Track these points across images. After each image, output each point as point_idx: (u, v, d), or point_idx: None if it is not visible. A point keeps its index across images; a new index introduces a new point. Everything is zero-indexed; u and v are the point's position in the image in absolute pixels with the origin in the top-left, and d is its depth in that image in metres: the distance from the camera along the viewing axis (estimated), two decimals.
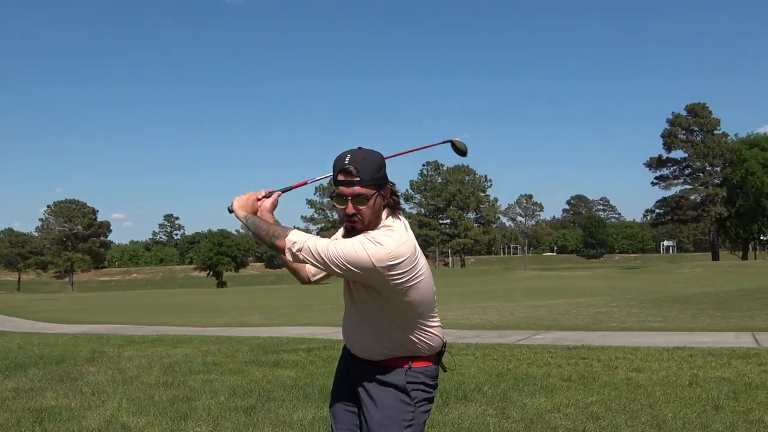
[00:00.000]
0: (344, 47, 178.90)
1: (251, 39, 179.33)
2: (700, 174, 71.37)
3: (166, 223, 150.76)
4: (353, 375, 2.41)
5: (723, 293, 18.19)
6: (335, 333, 11.68)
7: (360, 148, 2.23)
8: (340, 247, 2.15)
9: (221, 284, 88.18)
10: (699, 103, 71.77)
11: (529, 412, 4.93)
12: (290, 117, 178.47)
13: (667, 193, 73.31)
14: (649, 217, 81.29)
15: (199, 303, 30.76)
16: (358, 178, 2.15)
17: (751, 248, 74.81)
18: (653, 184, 73.69)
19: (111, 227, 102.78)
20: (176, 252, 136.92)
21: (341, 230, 2.38)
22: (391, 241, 2.15)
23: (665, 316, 13.15)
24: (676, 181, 72.80)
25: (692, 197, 71.69)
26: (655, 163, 73.00)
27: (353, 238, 2.19)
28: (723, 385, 5.63)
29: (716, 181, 70.53)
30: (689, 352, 7.66)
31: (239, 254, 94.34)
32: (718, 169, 70.51)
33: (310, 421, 4.91)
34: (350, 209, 2.19)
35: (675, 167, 73.00)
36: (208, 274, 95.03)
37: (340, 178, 2.18)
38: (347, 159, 2.17)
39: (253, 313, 20.10)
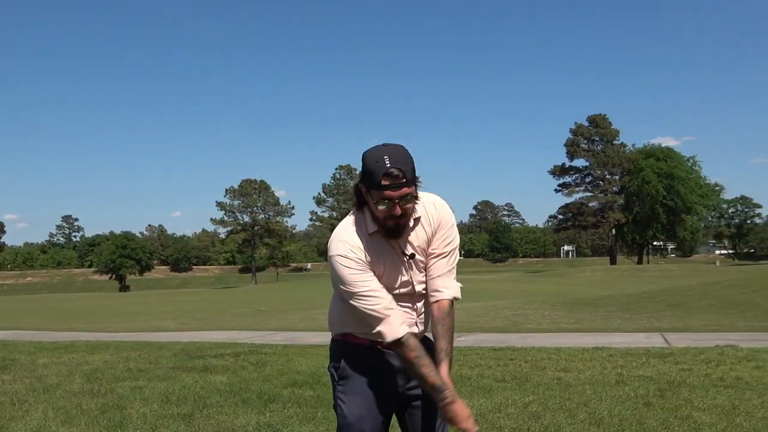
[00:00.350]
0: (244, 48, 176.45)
1: (150, 40, 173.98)
2: (600, 182, 74.69)
3: (64, 224, 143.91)
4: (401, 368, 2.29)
5: (627, 296, 19.10)
6: (257, 337, 11.51)
7: (386, 144, 2.13)
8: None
9: (124, 288, 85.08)
10: (600, 114, 75.20)
11: (473, 413, 5.02)
12: (196, 121, 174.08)
13: (570, 200, 76.44)
14: (552, 223, 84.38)
15: (105, 307, 29.56)
16: (405, 180, 2.07)
17: (645, 253, 78.90)
18: (556, 191, 76.66)
19: (4, 228, 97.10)
20: (75, 255, 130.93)
21: (346, 231, 2.21)
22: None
23: (578, 317, 13.69)
24: (577, 189, 75.93)
25: (592, 204, 74.95)
26: (559, 171, 75.91)
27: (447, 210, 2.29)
28: (648, 384, 5.92)
29: (615, 189, 74.04)
30: (608, 352, 7.99)
31: (144, 257, 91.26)
32: (617, 177, 74.03)
33: (254, 426, 4.82)
34: (398, 211, 2.10)
35: (577, 175, 76.12)
36: (111, 278, 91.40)
37: (385, 182, 2.05)
38: (388, 161, 2.06)
39: (164, 318, 19.51)
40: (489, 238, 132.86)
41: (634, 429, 4.47)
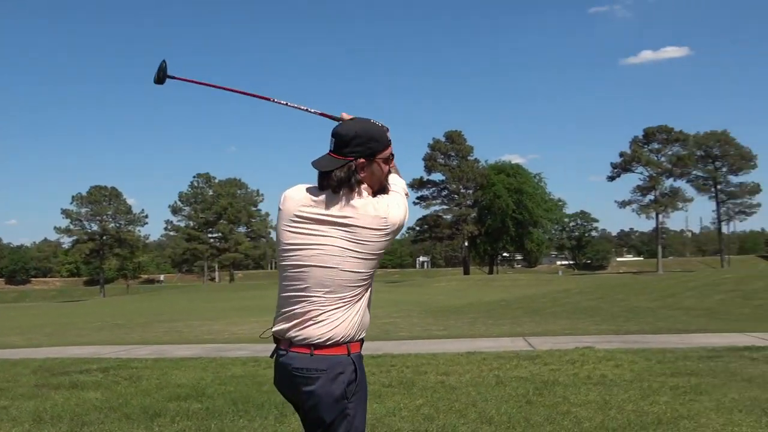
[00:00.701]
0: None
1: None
2: (456, 196, 77.74)
3: None
4: None
5: (487, 303, 20.05)
6: (122, 351, 10.95)
7: (353, 118, 2.39)
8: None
9: None
10: (455, 130, 78.32)
11: (369, 418, 5.08)
12: (36, 124, 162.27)
13: (427, 212, 78.96)
14: (410, 234, 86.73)
15: None
16: None
17: (494, 263, 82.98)
18: (415, 203, 78.74)
19: None
20: None
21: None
22: None
23: (445, 324, 14.18)
24: (434, 202, 78.60)
25: (447, 217, 77.87)
26: (417, 184, 78.21)
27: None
28: (525, 384, 6.28)
29: (468, 202, 77.36)
30: (482, 356, 8.36)
31: None
32: (471, 191, 77.43)
33: None
34: (393, 163, 2.47)
35: (434, 188, 78.80)
36: None
37: (390, 138, 2.37)
38: (380, 123, 2.36)
39: (6, 333, 17.99)
40: None
41: (523, 425, 4.75)
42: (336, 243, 2.25)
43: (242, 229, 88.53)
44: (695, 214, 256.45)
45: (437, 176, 77.82)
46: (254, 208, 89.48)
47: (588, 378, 6.51)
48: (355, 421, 2.27)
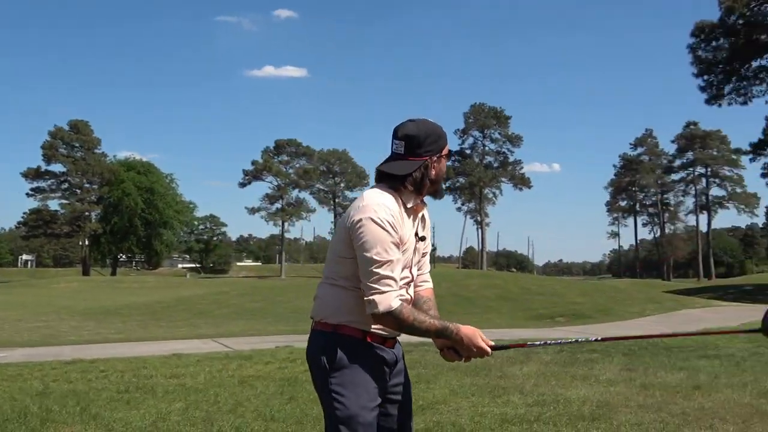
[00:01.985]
0: None
1: None
2: (78, 190, 71.91)
3: None
4: (394, 365, 2.30)
5: (147, 305, 19.10)
6: None
7: (410, 119, 2.30)
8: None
9: None
10: (81, 120, 72.59)
11: (142, 426, 4.68)
12: None
13: (42, 206, 71.41)
14: (20, 229, 77.63)
15: None
16: None
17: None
18: (29, 195, 70.76)
19: None
20: None
21: (385, 198, 2.20)
22: None
23: (114, 327, 13.26)
24: (53, 195, 71.55)
25: (66, 212, 71.54)
26: (33, 174, 70.36)
27: None
28: (272, 383, 6.30)
29: (93, 198, 72.18)
30: (194, 357, 8.15)
31: None
32: (96, 186, 72.37)
33: None
34: None
35: (53, 180, 71.74)
36: None
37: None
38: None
39: None
40: None
41: (312, 421, 4.83)
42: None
43: None
44: (311, 223, 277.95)
45: (58, 167, 71.04)
46: None
47: None
48: (343, 399, 2.12)
